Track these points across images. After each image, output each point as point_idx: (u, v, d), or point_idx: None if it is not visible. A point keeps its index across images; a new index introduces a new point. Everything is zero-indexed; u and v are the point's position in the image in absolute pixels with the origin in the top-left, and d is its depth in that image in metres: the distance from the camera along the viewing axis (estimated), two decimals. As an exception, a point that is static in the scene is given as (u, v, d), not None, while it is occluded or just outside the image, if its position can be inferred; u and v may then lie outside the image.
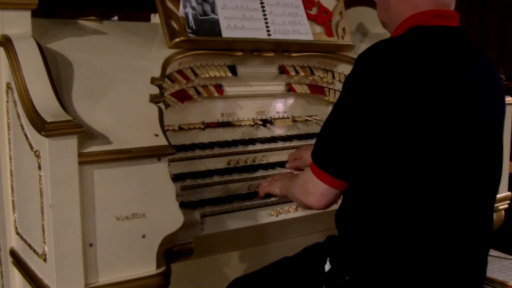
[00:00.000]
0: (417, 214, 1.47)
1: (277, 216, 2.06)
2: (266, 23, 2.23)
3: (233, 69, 2.22)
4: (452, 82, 1.47)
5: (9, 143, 1.77)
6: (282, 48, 2.28)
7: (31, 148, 1.56)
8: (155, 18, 2.14)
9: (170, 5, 2.04)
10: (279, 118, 2.42)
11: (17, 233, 1.79)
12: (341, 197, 1.65)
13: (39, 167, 1.51)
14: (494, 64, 1.65)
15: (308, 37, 2.32)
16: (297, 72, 2.38)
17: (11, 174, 1.79)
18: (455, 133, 1.46)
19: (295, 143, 2.35)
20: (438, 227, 1.48)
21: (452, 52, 1.52)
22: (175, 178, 1.91)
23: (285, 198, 1.94)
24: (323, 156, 1.56)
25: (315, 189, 1.58)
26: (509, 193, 2.71)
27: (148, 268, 1.65)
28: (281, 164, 2.23)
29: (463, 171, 1.49)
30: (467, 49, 1.56)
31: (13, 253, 1.81)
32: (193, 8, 2.08)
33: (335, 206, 1.66)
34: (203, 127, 2.19)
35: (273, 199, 2.05)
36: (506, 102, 2.63)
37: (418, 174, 1.45)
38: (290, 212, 2.09)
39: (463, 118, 1.48)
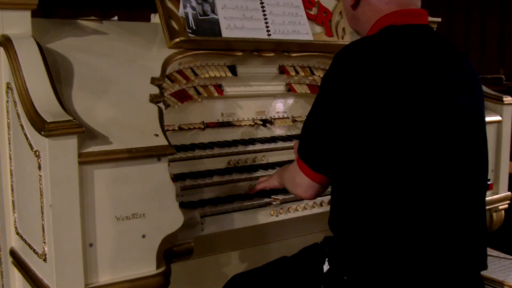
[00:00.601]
0: (406, 210, 1.47)
1: (277, 216, 2.06)
2: (266, 23, 2.23)
3: (233, 69, 2.22)
4: (428, 76, 1.49)
5: (9, 143, 1.77)
6: (282, 48, 2.28)
7: (31, 148, 1.56)
8: (155, 18, 2.15)
9: (170, 5, 2.04)
10: (279, 118, 2.42)
11: (17, 233, 1.79)
12: (330, 202, 1.68)
13: (39, 167, 1.51)
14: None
15: (308, 37, 2.32)
16: (297, 72, 2.38)
17: (11, 174, 1.79)
18: (435, 126, 1.47)
19: (295, 143, 2.34)
20: (428, 221, 1.48)
21: (426, 48, 1.54)
22: (175, 178, 1.91)
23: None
24: (304, 150, 1.63)
25: (301, 181, 1.65)
26: (509, 193, 2.71)
27: (148, 268, 1.65)
28: (281, 164, 2.23)
29: (447, 164, 1.49)
30: (441, 45, 1.59)
31: (13, 253, 1.81)
32: (193, 8, 2.08)
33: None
34: (203, 127, 2.19)
35: (267, 200, 2.04)
36: (506, 102, 2.66)
37: (402, 170, 1.46)
38: (290, 212, 2.09)
39: (443, 111, 1.49)
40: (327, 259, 1.65)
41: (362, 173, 1.50)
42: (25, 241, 1.71)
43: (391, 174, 1.46)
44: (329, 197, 2.15)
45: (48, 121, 1.47)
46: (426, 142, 1.46)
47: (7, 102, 1.75)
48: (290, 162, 2.26)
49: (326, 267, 1.64)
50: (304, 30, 2.31)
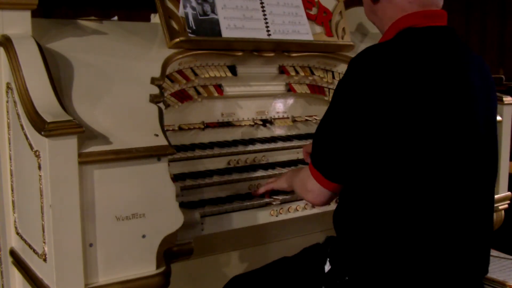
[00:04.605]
0: (414, 214, 1.47)
1: (277, 216, 2.06)
2: (266, 23, 2.23)
3: (233, 69, 2.21)
4: (447, 82, 1.48)
5: (9, 143, 1.77)
6: (282, 48, 2.28)
7: (31, 148, 1.56)
8: (155, 18, 2.14)
9: (170, 5, 2.04)
10: (279, 118, 2.42)
11: (17, 233, 1.79)
12: (337, 198, 1.67)
13: (39, 167, 1.51)
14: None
15: (308, 37, 2.32)
16: (297, 72, 2.37)
17: (11, 174, 1.79)
18: (451, 134, 1.47)
19: (295, 143, 2.35)
20: (435, 226, 1.48)
21: (445, 53, 1.52)
22: (175, 178, 1.91)
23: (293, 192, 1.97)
24: (317, 157, 1.60)
25: (313, 187, 1.62)
26: (509, 193, 2.71)
27: (148, 268, 1.65)
28: (281, 164, 2.23)
29: (460, 170, 1.49)
30: (459, 49, 1.56)
31: (13, 253, 1.81)
32: (193, 8, 2.08)
33: (333, 207, 1.68)
34: (203, 127, 2.19)
35: (267, 200, 2.04)
36: (506, 102, 2.66)
37: (414, 175, 1.45)
38: (290, 212, 2.09)
39: (460, 118, 1.48)
40: (328, 259, 1.65)
41: (372, 178, 1.49)
42: (25, 241, 1.71)
43: (401, 180, 1.46)
44: (329, 197, 2.16)
45: (48, 121, 1.47)
46: (441, 152, 1.45)
47: (7, 102, 1.75)
48: (290, 162, 2.27)
49: (327, 267, 1.64)
50: (304, 30, 2.31)
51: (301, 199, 2.08)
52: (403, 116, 1.42)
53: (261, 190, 2.02)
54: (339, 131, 1.50)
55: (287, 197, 2.05)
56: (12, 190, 1.80)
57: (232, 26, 2.14)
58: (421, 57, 1.47)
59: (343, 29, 2.43)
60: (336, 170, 1.56)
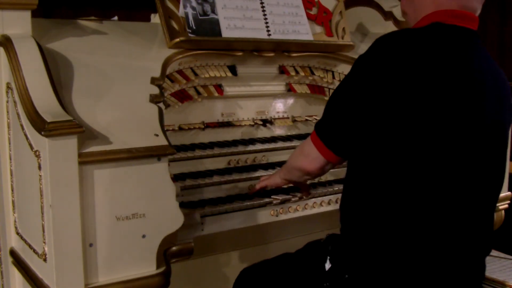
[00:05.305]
0: (417, 212, 1.47)
1: (277, 216, 2.06)
2: (266, 23, 2.23)
3: (233, 69, 2.22)
4: (461, 79, 1.49)
5: (9, 143, 1.77)
6: (282, 48, 2.28)
7: (31, 148, 1.56)
8: (155, 18, 2.14)
9: (170, 5, 2.04)
10: (279, 118, 2.42)
11: (17, 233, 1.79)
12: (342, 191, 1.67)
13: (39, 167, 1.51)
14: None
15: (308, 37, 2.32)
16: (297, 72, 2.38)
17: (11, 174, 1.79)
18: (458, 130, 1.47)
19: (295, 143, 2.35)
20: (437, 226, 1.48)
21: (464, 53, 1.53)
22: (175, 178, 1.91)
23: (288, 184, 1.97)
24: (322, 124, 1.64)
25: (310, 152, 1.66)
26: (509, 193, 2.71)
27: (148, 268, 1.65)
28: (281, 164, 2.23)
29: (465, 168, 1.49)
30: (479, 52, 1.58)
31: (13, 253, 1.81)
32: (193, 8, 2.08)
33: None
34: (203, 127, 2.19)
35: (267, 200, 2.04)
36: (506, 102, 2.65)
37: (418, 169, 1.46)
38: (290, 212, 2.09)
39: (468, 116, 1.49)
40: (328, 257, 1.65)
41: (374, 165, 1.50)
42: (25, 241, 1.71)
43: (404, 171, 1.47)
44: (330, 197, 2.17)
45: (48, 121, 1.47)
46: (447, 147, 1.46)
47: (7, 102, 1.75)
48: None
49: (328, 265, 1.64)
50: (304, 30, 2.31)
51: (301, 198, 2.08)
52: (411, 104, 1.44)
53: (256, 187, 2.02)
54: (348, 103, 1.53)
55: (287, 197, 2.05)
56: (12, 190, 1.80)
57: (232, 26, 2.14)
58: (441, 52, 1.49)
59: (343, 29, 2.43)
60: (337, 140, 1.60)
